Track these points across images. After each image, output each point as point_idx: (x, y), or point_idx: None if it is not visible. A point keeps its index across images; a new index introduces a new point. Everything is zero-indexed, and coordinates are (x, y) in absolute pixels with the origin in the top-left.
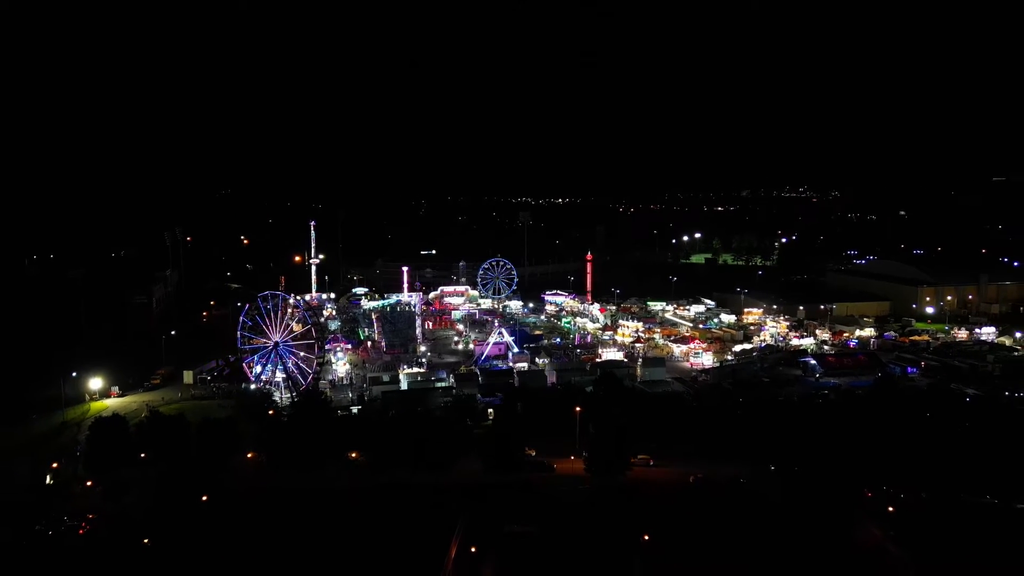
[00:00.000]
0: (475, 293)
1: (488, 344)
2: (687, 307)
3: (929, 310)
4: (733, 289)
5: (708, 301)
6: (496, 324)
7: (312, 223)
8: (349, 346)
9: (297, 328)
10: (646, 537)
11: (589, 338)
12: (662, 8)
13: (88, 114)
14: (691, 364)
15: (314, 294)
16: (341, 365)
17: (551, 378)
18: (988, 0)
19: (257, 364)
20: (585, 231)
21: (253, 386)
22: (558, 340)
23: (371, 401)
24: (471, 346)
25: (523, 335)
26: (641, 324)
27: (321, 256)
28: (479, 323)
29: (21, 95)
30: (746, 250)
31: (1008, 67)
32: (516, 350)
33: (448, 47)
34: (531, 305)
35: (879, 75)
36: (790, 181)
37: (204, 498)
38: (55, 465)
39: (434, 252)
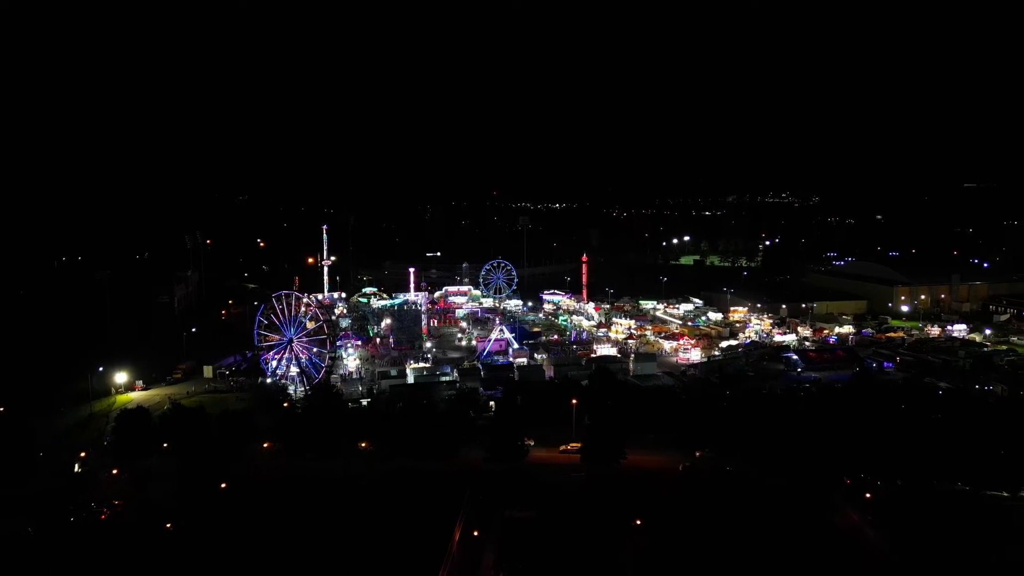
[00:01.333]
0: (477, 293)
1: (490, 340)
2: (676, 306)
3: (904, 308)
4: (720, 289)
5: (696, 300)
6: (497, 322)
7: (324, 227)
8: (359, 342)
9: (310, 325)
10: (638, 522)
11: (585, 335)
12: (658, 14)
13: (117, 128)
14: (680, 359)
15: (326, 293)
16: (352, 360)
17: (549, 372)
18: (967, 9)
19: (273, 359)
20: (581, 234)
21: (269, 380)
22: (556, 337)
23: (380, 394)
24: (474, 342)
25: (523, 332)
26: (633, 322)
27: (333, 258)
28: (481, 321)
29: (51, 109)
30: (732, 252)
31: (979, 79)
32: (516, 346)
33: (449, 57)
34: (530, 304)
35: (859, 85)
36: (773, 187)
37: (223, 485)
38: (83, 454)
39: (439, 254)
